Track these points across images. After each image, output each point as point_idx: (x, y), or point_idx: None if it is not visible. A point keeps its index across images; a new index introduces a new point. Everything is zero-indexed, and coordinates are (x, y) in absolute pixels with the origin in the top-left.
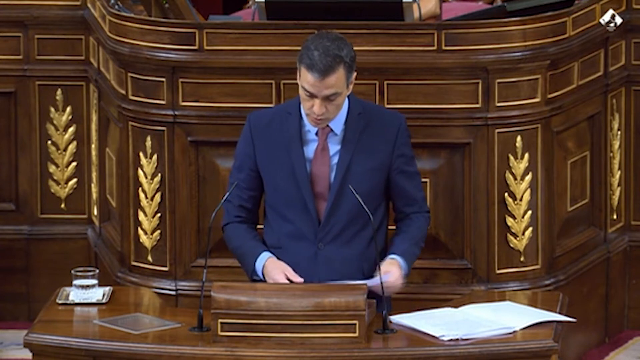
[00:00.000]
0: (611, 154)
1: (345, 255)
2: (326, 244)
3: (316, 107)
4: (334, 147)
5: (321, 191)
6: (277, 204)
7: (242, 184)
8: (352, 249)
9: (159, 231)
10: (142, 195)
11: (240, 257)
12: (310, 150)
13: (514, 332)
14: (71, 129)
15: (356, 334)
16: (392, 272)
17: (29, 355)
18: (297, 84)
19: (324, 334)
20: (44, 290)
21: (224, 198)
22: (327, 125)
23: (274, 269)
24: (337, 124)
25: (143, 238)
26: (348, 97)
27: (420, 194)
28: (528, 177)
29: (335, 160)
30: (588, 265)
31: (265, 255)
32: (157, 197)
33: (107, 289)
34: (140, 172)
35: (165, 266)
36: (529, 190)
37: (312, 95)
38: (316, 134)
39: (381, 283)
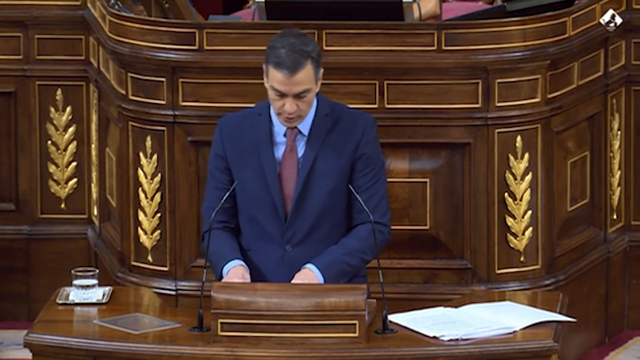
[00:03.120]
0: (611, 154)
1: (312, 258)
2: (294, 246)
3: (288, 105)
4: (302, 149)
5: (290, 193)
6: (246, 207)
7: (220, 185)
8: (320, 251)
9: (159, 231)
10: (142, 195)
11: (213, 261)
12: (279, 151)
13: (514, 332)
14: (71, 129)
15: (356, 334)
16: (297, 279)
17: (29, 355)
18: None
19: (324, 334)
20: (44, 290)
21: (224, 198)
22: (296, 127)
23: (233, 276)
24: (305, 125)
25: (143, 238)
26: (316, 97)
27: (373, 200)
28: (528, 177)
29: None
30: (588, 265)
31: (235, 263)
32: (157, 197)
33: (107, 289)
34: (140, 172)
35: (165, 266)
36: (529, 190)
37: (282, 95)
38: (285, 135)
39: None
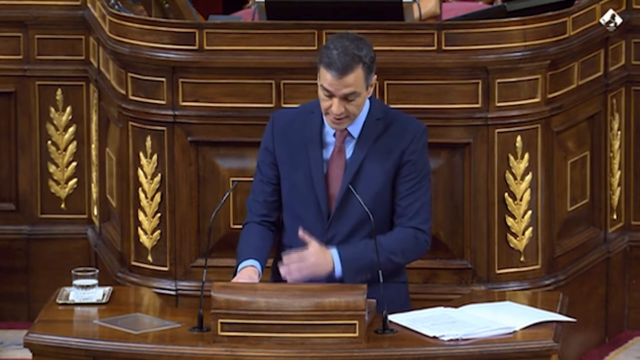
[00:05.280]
0: (611, 154)
1: None
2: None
3: (334, 106)
4: (350, 151)
5: (335, 193)
6: (291, 203)
7: (266, 178)
8: None
9: (159, 231)
10: (142, 195)
11: (237, 256)
12: (328, 151)
13: (514, 332)
14: (71, 129)
15: (356, 334)
16: (311, 253)
17: (29, 355)
18: (297, 84)
19: (324, 334)
20: (44, 290)
21: (225, 197)
22: (345, 128)
23: (241, 277)
24: (355, 128)
25: (143, 238)
26: (371, 101)
27: (414, 207)
28: (528, 177)
29: None
30: (588, 265)
31: (247, 263)
32: (157, 197)
33: (107, 289)
34: (140, 172)
35: (165, 266)
36: (529, 190)
37: (330, 95)
38: (334, 135)
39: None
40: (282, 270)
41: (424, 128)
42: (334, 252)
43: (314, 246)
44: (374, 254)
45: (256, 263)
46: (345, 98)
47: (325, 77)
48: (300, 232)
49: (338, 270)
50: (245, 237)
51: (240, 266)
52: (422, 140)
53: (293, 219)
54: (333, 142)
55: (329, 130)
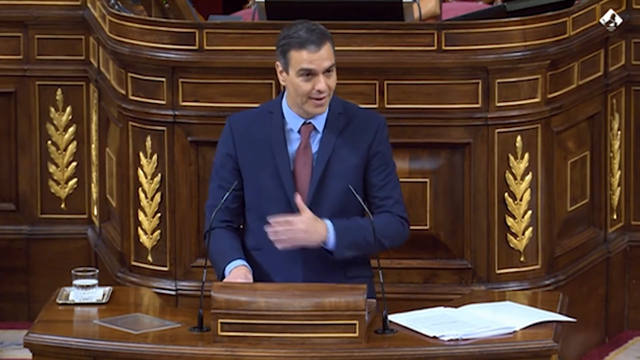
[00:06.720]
0: (611, 154)
1: (327, 256)
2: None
3: (320, 83)
4: (316, 146)
5: (304, 189)
6: (258, 205)
7: (226, 184)
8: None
9: (159, 231)
10: (142, 195)
11: (215, 260)
12: (293, 148)
13: (514, 332)
14: (71, 129)
15: (356, 334)
16: (301, 220)
17: (29, 355)
18: None
19: (324, 334)
20: (44, 290)
21: (223, 199)
22: (310, 123)
23: (236, 276)
24: (320, 122)
25: (143, 238)
26: None
27: (392, 195)
28: (528, 177)
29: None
30: (588, 265)
31: (237, 263)
32: (157, 197)
33: (107, 289)
34: (140, 172)
35: (165, 266)
36: (529, 190)
37: (310, 74)
38: (299, 131)
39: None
40: (270, 233)
41: (384, 120)
42: (328, 224)
43: (306, 213)
44: (364, 232)
45: (245, 262)
46: (327, 72)
47: (302, 58)
48: (297, 199)
49: (331, 242)
50: (218, 241)
51: (228, 267)
52: (385, 132)
53: (260, 220)
54: (297, 139)
55: (293, 127)
